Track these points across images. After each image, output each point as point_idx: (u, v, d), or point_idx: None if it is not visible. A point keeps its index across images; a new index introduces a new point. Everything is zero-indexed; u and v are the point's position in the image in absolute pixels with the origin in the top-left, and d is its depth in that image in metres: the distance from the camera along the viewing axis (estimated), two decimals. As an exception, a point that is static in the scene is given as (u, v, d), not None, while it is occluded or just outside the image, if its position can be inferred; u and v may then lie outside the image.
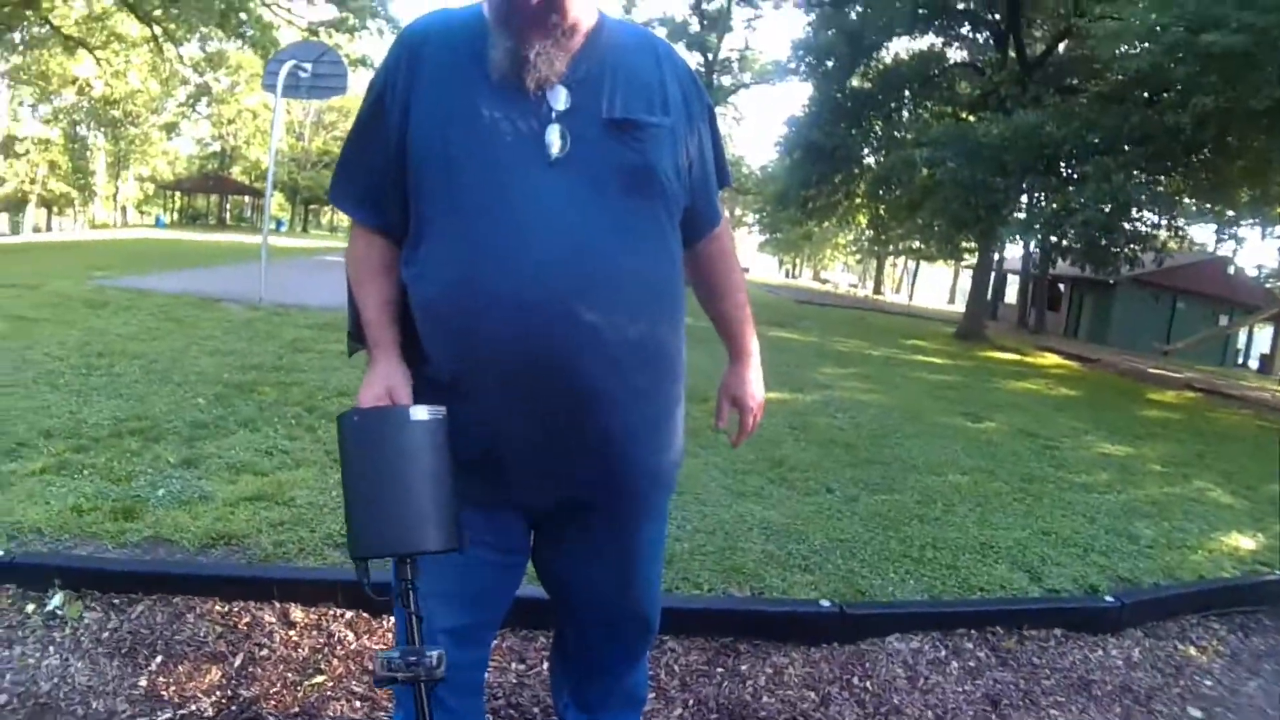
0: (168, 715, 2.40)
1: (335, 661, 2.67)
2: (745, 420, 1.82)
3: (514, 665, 2.69)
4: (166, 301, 9.83)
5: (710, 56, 41.18)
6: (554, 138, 1.34)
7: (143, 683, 2.53)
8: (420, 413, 1.37)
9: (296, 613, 2.89)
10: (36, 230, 43.30)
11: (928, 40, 22.17)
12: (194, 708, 2.43)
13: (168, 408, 5.09)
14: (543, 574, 1.84)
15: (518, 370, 1.37)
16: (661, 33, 37.88)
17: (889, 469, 5.33)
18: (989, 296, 26.08)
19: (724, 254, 1.71)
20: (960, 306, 31.47)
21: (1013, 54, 19.52)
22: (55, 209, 50.62)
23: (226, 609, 2.90)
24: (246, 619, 2.87)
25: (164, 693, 2.49)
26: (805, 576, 3.32)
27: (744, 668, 2.69)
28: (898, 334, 18.52)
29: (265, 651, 2.72)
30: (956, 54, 22.60)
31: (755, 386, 1.81)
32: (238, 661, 2.65)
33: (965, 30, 21.36)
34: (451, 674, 1.65)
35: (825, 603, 2.89)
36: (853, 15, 20.49)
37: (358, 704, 2.47)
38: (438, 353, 1.45)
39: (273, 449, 4.47)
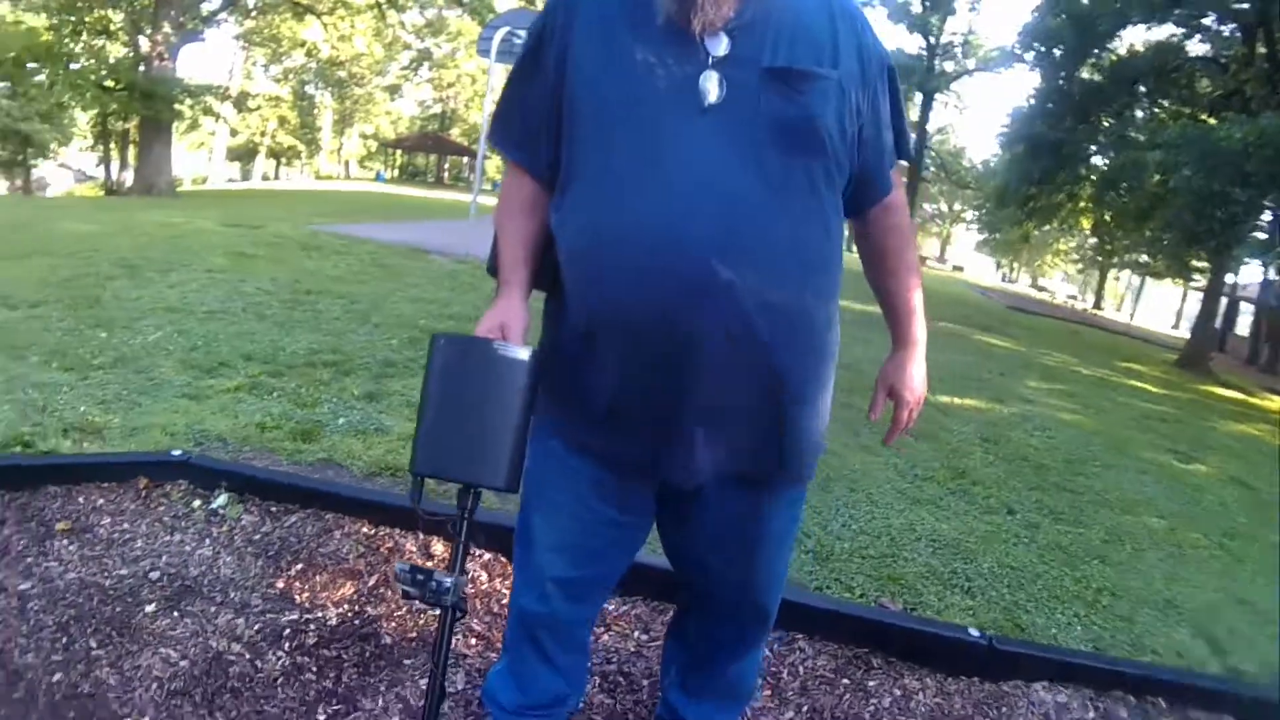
0: (294, 616, 2.57)
1: (470, 592, 2.74)
2: (900, 414, 1.68)
3: (636, 634, 2.66)
4: (377, 249, 10.51)
5: (932, 39, 39.33)
6: (709, 85, 1.28)
7: (279, 584, 2.74)
8: (509, 350, 1.36)
9: (437, 546, 3.00)
10: (264, 178, 47.86)
11: (1166, 30, 19.86)
12: (320, 614, 2.60)
13: (362, 345, 5.45)
14: (666, 548, 1.79)
15: (643, 324, 1.33)
16: (881, 13, 36.61)
17: (1078, 499, 4.89)
18: (1218, 325, 23.49)
19: (895, 230, 1.58)
20: (1185, 332, 28.59)
21: (1262, 49, 17.22)
22: (283, 160, 55.54)
23: (373, 533, 3.07)
24: (389, 544, 3.02)
25: (296, 596, 2.67)
26: (964, 600, 3.09)
27: (871, 684, 2.54)
28: (1113, 354, 17.05)
29: None
30: (1197, 47, 20.15)
31: (915, 380, 1.65)
32: (371, 582, 2.79)
33: (1209, 21, 18.96)
34: (558, 628, 1.74)
35: (974, 631, 2.65)
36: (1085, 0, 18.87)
37: (473, 641, 2.53)
38: (575, 301, 1.43)
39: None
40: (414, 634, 2.56)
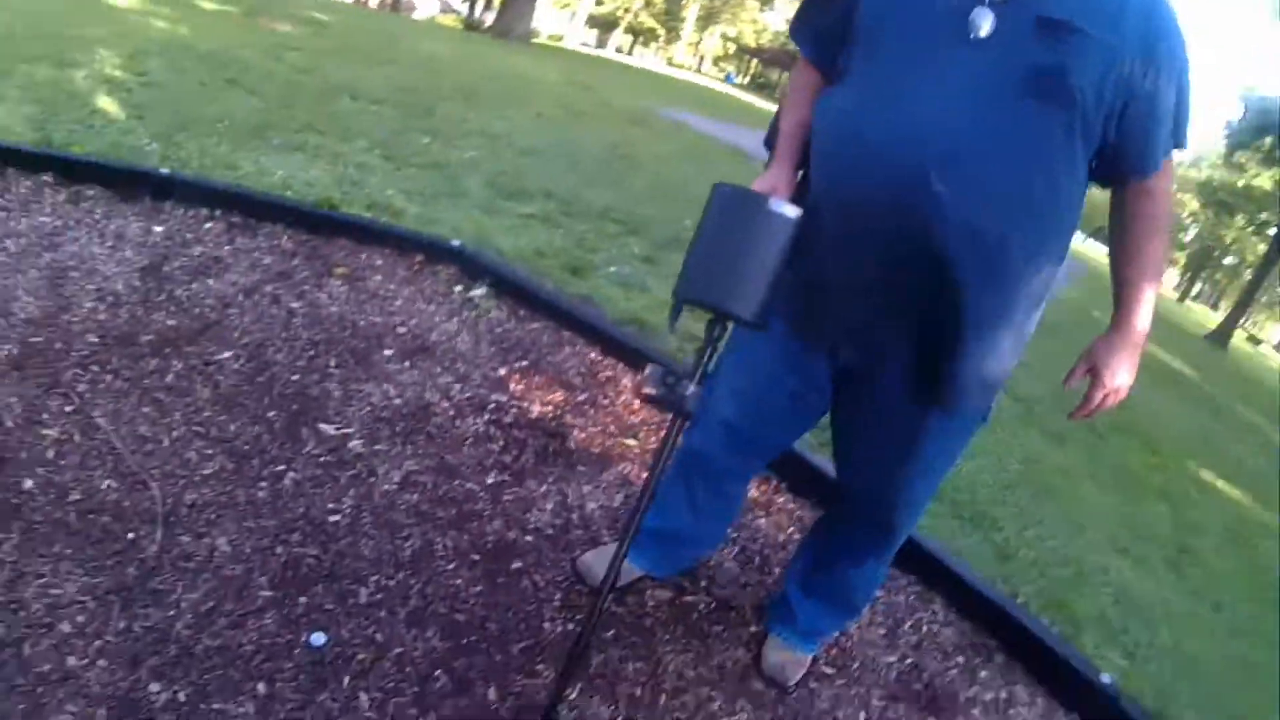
0: (501, 398, 2.77)
1: (652, 441, 2.80)
2: (1093, 394, 1.64)
3: (791, 529, 2.63)
4: (700, 140, 10.77)
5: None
6: (981, 20, 1.35)
7: (501, 371, 2.96)
8: (781, 206, 1.50)
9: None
10: (618, 50, 49.68)
11: None
12: (523, 405, 2.80)
13: (654, 214, 5.62)
14: (833, 434, 1.88)
15: (855, 209, 1.47)
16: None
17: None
18: None
19: (1144, 217, 1.55)
20: None
21: None
22: (639, 39, 57.38)
23: (599, 360, 3.22)
24: (608, 374, 3.14)
25: (510, 384, 2.88)
26: (1119, 659, 2.59)
27: (982, 674, 2.28)
28: None
29: (606, 402, 2.96)
30: None
31: (1119, 367, 1.62)
32: (580, 398, 2.94)
33: None
34: (710, 471, 1.93)
35: (1106, 678, 2.27)
36: None
37: (644, 475, 2.56)
38: (816, 186, 1.58)
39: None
40: (596, 452, 2.68)
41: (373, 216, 3.82)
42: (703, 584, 2.26)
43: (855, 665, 2.18)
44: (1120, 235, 1.58)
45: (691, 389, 1.49)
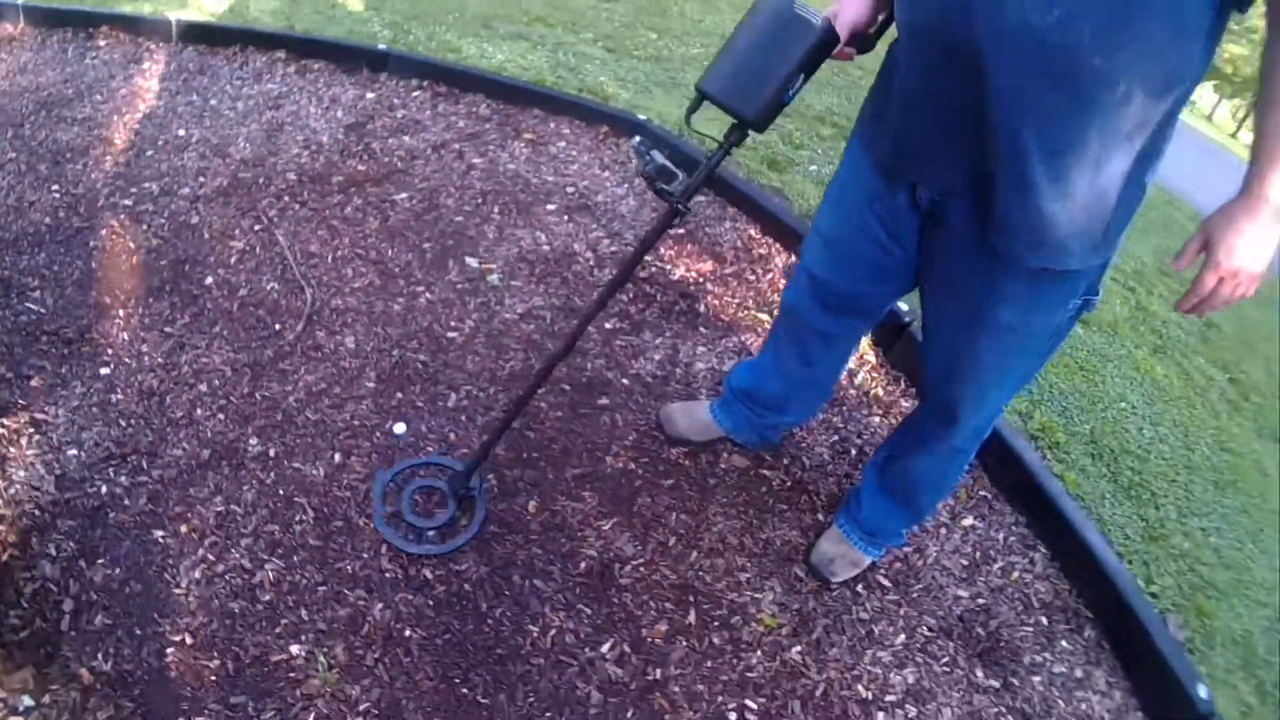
0: (647, 258, 2.76)
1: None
2: (1204, 277, 1.30)
3: (878, 411, 2.45)
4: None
5: None
6: None
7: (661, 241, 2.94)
8: (805, 11, 1.45)
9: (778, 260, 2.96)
10: None
11: None
12: (666, 268, 2.84)
13: None
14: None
15: (928, 24, 1.31)
16: None
17: None
18: None
19: None
20: None
21: None
22: None
23: (757, 238, 3.17)
24: (762, 252, 3.07)
25: (660, 247, 2.82)
26: (1249, 694, 2.00)
27: (1061, 644, 1.95)
28: None
29: (751, 278, 2.94)
30: None
31: (1240, 241, 1.26)
32: (726, 270, 2.93)
33: None
34: (798, 327, 1.85)
35: (1203, 692, 1.79)
36: None
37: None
38: (897, 14, 1.43)
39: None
40: (725, 317, 2.66)
41: (576, 94, 3.96)
42: (785, 461, 2.18)
43: (917, 586, 1.99)
44: (1266, 77, 1.24)
45: (681, 183, 1.51)
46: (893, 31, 1.51)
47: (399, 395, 2.13)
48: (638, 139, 1.54)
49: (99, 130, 3.20)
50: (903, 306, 2.53)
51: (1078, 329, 2.93)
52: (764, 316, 2.70)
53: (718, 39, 6.00)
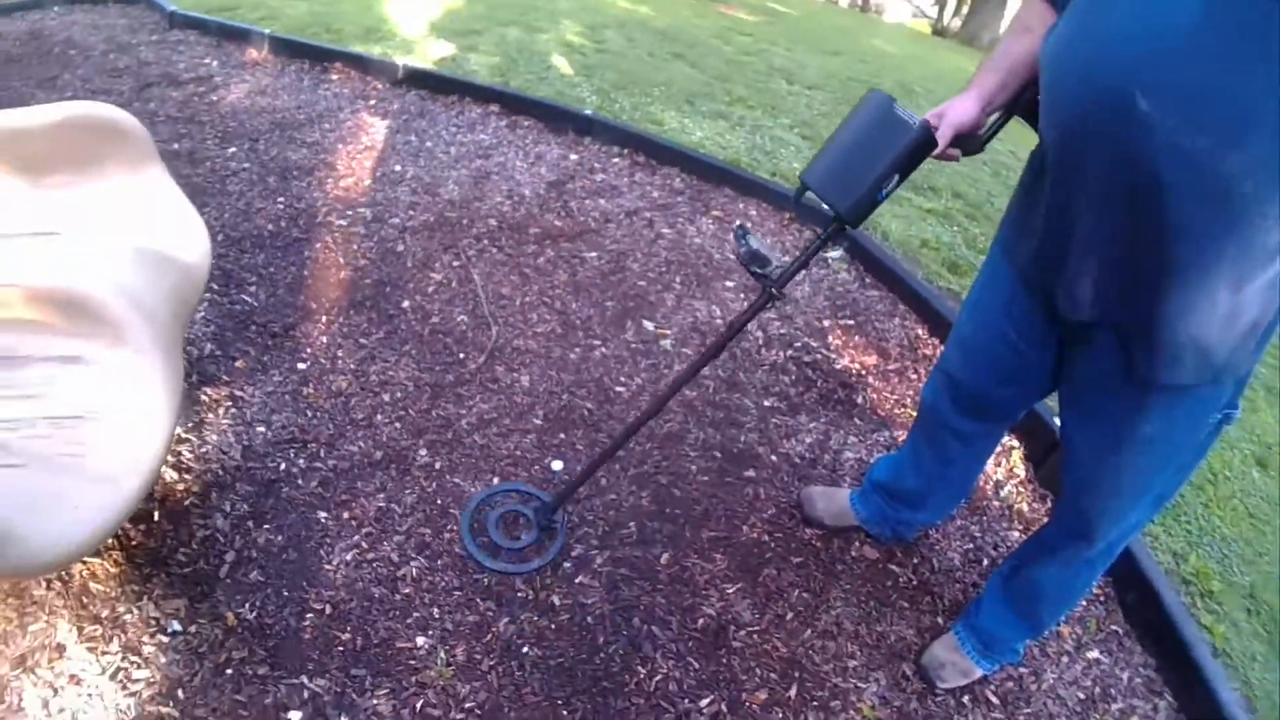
0: (814, 343, 2.89)
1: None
2: None
3: (1018, 527, 2.30)
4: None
5: None
6: None
7: (825, 322, 3.04)
8: (905, 113, 1.53)
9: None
10: None
11: None
12: (831, 355, 2.86)
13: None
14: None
15: (1067, 140, 1.35)
16: None
17: None
18: None
19: None
20: None
21: None
22: None
23: (925, 338, 3.11)
24: (927, 352, 2.95)
25: (828, 335, 2.97)
26: None
27: None
28: None
29: (914, 377, 2.80)
30: None
31: None
32: (890, 366, 2.91)
33: None
34: (934, 427, 1.90)
35: None
36: None
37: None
38: (1041, 122, 1.47)
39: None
40: (881, 411, 2.66)
41: (765, 178, 4.07)
42: (915, 560, 2.14)
43: (1025, 710, 1.88)
44: None
45: (778, 267, 1.61)
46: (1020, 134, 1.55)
47: (561, 435, 2.22)
48: (739, 223, 1.64)
49: (324, 155, 3.54)
50: (1059, 422, 2.45)
51: (1253, 472, 2.75)
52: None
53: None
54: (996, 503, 2.40)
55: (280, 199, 3.15)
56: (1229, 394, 1.42)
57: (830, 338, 2.92)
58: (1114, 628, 2.14)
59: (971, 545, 2.25)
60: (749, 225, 1.62)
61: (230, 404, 2.16)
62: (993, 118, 1.57)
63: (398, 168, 3.49)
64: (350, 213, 3.10)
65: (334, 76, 4.40)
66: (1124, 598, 2.19)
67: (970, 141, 1.56)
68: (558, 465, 2.12)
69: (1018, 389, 1.73)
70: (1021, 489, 2.47)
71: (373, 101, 4.17)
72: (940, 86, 8.12)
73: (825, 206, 1.59)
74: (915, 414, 2.66)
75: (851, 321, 3.06)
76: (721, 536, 2.06)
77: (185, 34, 5.06)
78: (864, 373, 2.80)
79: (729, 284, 3.10)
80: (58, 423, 1.50)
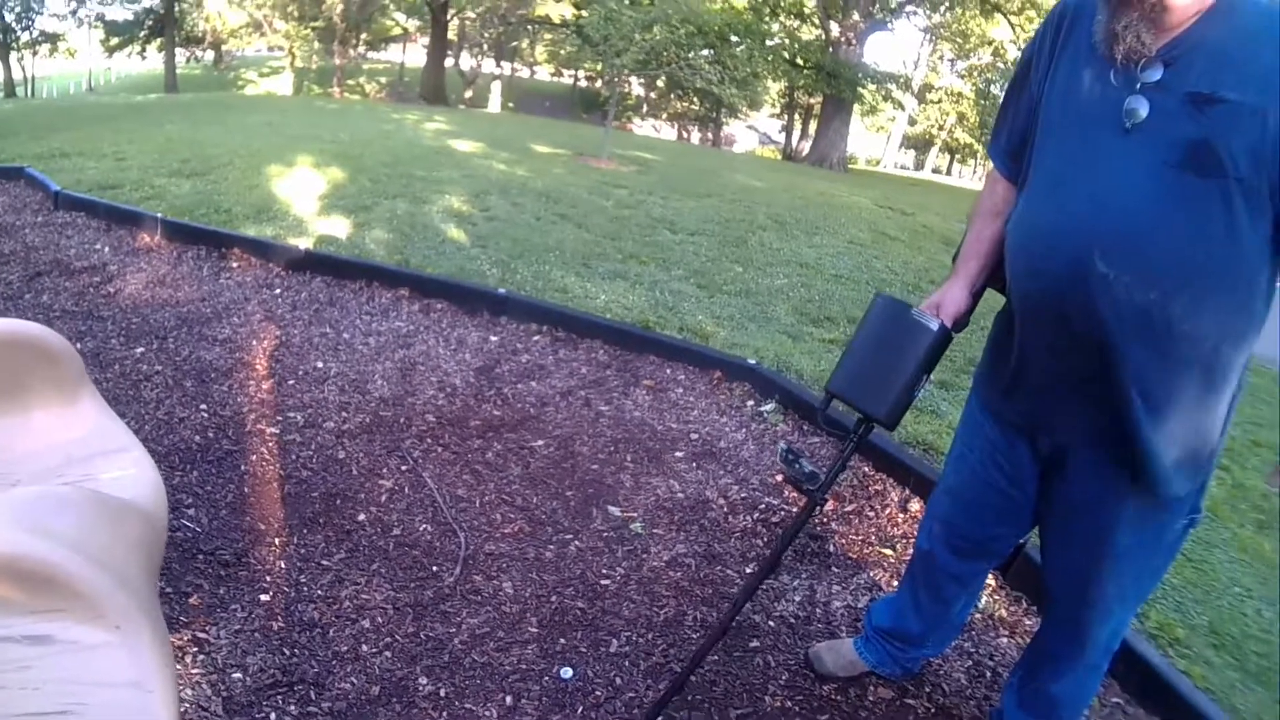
0: (775, 502, 3.00)
1: (909, 552, 2.81)
2: None
3: (1004, 633, 2.56)
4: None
5: None
6: (1135, 107, 1.48)
7: (778, 478, 3.18)
8: (923, 317, 1.76)
9: (914, 505, 3.09)
10: (935, 171, 48.96)
11: None
12: (793, 510, 2.96)
13: (960, 339, 5.43)
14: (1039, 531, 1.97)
15: (1036, 302, 1.62)
16: None
17: None
18: None
19: None
20: None
21: None
22: (957, 156, 56.06)
23: (872, 474, 3.30)
24: (878, 489, 3.18)
25: (786, 491, 3.09)
26: None
27: None
28: None
29: (871, 515, 3.06)
30: None
31: None
32: (847, 508, 3.06)
33: None
34: (931, 571, 2.10)
35: None
36: None
37: (894, 583, 2.61)
38: (1008, 284, 1.75)
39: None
40: (853, 555, 2.79)
41: (684, 338, 4.28)
42: (926, 689, 2.28)
43: None
44: None
45: (822, 478, 1.79)
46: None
47: (562, 640, 2.22)
48: (783, 445, 1.86)
49: (240, 353, 3.53)
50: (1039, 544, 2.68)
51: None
52: (887, 551, 2.84)
53: (797, 267, 6.45)
54: (979, 615, 2.59)
55: (203, 405, 3.11)
56: (1194, 499, 1.67)
57: (787, 492, 3.07)
58: (1115, 700, 2.35)
59: (971, 662, 2.41)
60: (792, 444, 1.80)
61: (195, 649, 2.07)
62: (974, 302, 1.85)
63: (319, 364, 3.51)
64: (280, 419, 3.09)
65: (234, 264, 4.42)
66: (1114, 670, 2.35)
67: (961, 321, 1.83)
68: (568, 673, 2.11)
69: (1010, 527, 1.95)
70: (996, 596, 2.69)
71: (278, 291, 4.20)
72: (810, 212, 8.76)
73: (856, 413, 1.78)
74: (884, 551, 2.88)
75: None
76: (748, 712, 2.10)
77: (72, 215, 5.00)
78: (826, 520, 2.95)
79: (678, 454, 3.22)
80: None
